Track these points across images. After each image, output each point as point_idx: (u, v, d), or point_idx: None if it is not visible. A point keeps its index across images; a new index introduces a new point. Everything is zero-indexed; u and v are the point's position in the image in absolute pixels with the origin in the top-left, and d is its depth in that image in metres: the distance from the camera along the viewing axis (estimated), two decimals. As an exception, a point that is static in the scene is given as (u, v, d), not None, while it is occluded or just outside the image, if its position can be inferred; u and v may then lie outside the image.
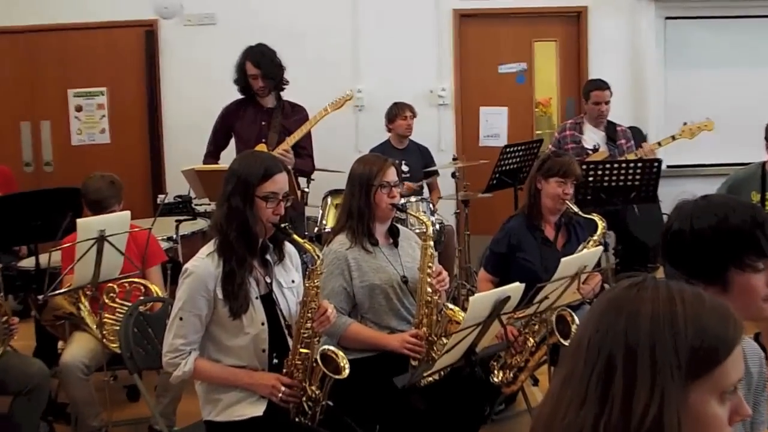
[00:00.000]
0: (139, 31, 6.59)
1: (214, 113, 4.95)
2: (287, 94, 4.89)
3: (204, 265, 2.52)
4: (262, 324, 2.57)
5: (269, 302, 2.61)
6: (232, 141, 4.90)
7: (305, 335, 2.56)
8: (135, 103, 6.67)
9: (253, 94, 4.80)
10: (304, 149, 4.77)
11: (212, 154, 4.90)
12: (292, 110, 4.83)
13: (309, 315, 2.55)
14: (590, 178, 4.59)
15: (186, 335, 2.52)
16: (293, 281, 2.72)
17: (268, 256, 2.65)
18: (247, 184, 2.52)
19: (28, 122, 6.70)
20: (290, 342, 2.61)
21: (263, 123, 4.76)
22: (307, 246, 2.59)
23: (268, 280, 2.63)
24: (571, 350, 1.12)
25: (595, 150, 5.41)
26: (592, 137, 5.47)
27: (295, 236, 2.59)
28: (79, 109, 6.67)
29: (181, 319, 2.51)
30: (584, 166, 4.46)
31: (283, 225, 2.56)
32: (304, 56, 6.19)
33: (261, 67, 4.68)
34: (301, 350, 2.56)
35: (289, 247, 2.75)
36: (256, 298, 2.57)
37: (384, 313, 3.05)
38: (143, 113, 6.67)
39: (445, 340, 2.84)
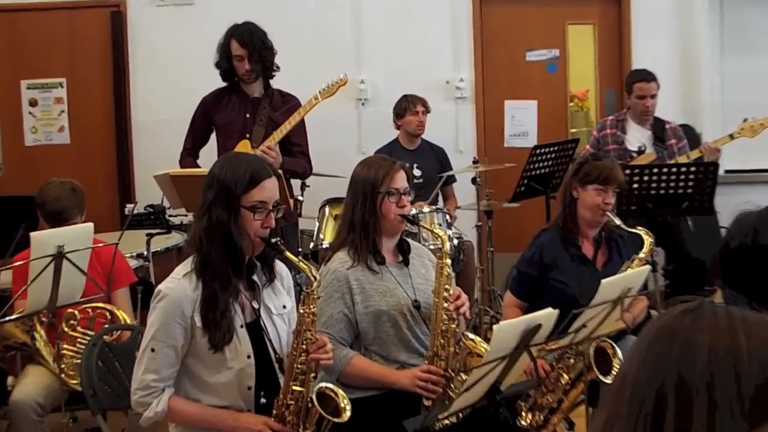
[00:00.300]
0: (104, 13, 6.62)
1: (192, 108, 4.98)
2: (277, 84, 4.90)
3: (180, 287, 2.53)
4: (248, 357, 2.57)
5: (256, 331, 2.62)
6: (213, 138, 4.92)
7: (299, 370, 2.56)
8: (99, 97, 6.69)
9: (238, 80, 4.82)
10: (297, 146, 4.76)
11: (190, 152, 4.93)
12: (283, 100, 4.82)
13: (303, 346, 2.55)
14: (635, 185, 4.60)
15: (159, 370, 2.53)
16: (285, 307, 2.73)
17: (255, 277, 2.66)
18: (231, 192, 2.53)
19: (-27, 119, 6.74)
20: (281, 378, 2.62)
21: (247, 115, 4.76)
22: (302, 265, 2.60)
23: (256, 306, 2.64)
24: (614, 388, 1.13)
25: (641, 152, 5.41)
26: (637, 137, 5.48)
27: (288, 253, 2.59)
28: (33, 103, 6.70)
29: (153, 350, 2.52)
30: (628, 171, 4.47)
31: (273, 240, 2.57)
32: (297, 41, 6.21)
33: (248, 47, 4.68)
34: (294, 388, 2.56)
35: (280, 266, 2.76)
36: (241, 326, 2.58)
37: (392, 345, 3.05)
38: (109, 108, 6.69)
39: (464, 376, 2.83)
